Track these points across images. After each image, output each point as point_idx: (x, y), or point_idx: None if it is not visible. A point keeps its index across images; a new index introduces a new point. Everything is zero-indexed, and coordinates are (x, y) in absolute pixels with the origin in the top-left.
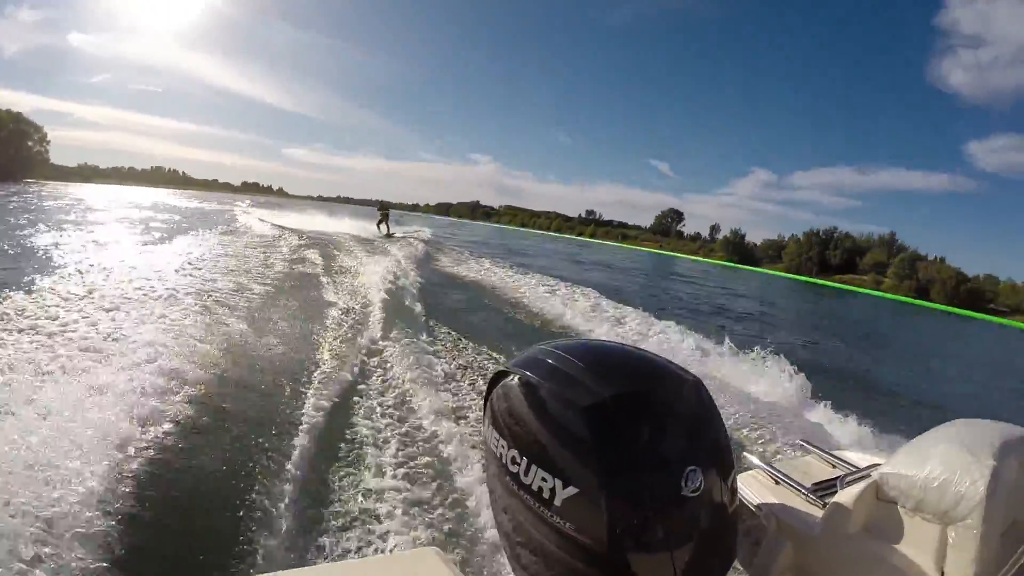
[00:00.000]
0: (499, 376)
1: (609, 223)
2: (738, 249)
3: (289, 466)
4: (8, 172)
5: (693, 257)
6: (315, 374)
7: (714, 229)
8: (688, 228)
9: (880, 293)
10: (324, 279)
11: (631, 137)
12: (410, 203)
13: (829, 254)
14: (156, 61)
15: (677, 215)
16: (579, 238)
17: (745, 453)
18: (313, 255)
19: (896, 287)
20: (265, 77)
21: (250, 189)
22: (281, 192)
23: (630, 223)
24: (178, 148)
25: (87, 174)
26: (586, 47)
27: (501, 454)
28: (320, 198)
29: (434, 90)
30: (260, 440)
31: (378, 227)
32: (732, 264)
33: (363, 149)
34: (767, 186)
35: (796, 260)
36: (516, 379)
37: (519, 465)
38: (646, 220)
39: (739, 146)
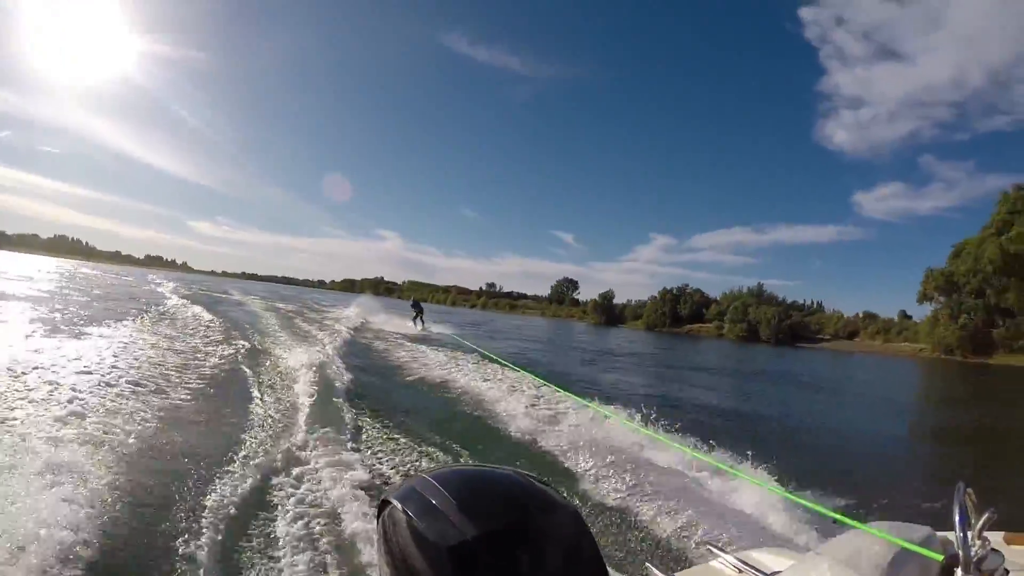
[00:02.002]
0: (383, 505)
1: (509, 294)
2: (605, 310)
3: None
4: None
5: (564, 317)
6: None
7: (604, 296)
8: (590, 294)
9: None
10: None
11: (536, 210)
12: (315, 279)
13: (680, 308)
14: (60, 122)
15: (572, 284)
16: (471, 309)
17: (647, 564)
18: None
19: (732, 330)
20: (170, 147)
21: (154, 263)
22: (186, 267)
23: (529, 293)
24: (81, 216)
25: None
26: (491, 123)
27: None
28: (224, 274)
29: (341, 166)
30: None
31: (414, 323)
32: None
33: (267, 224)
34: (668, 250)
35: (651, 316)
36: (393, 511)
37: None
38: (547, 290)
39: (640, 213)
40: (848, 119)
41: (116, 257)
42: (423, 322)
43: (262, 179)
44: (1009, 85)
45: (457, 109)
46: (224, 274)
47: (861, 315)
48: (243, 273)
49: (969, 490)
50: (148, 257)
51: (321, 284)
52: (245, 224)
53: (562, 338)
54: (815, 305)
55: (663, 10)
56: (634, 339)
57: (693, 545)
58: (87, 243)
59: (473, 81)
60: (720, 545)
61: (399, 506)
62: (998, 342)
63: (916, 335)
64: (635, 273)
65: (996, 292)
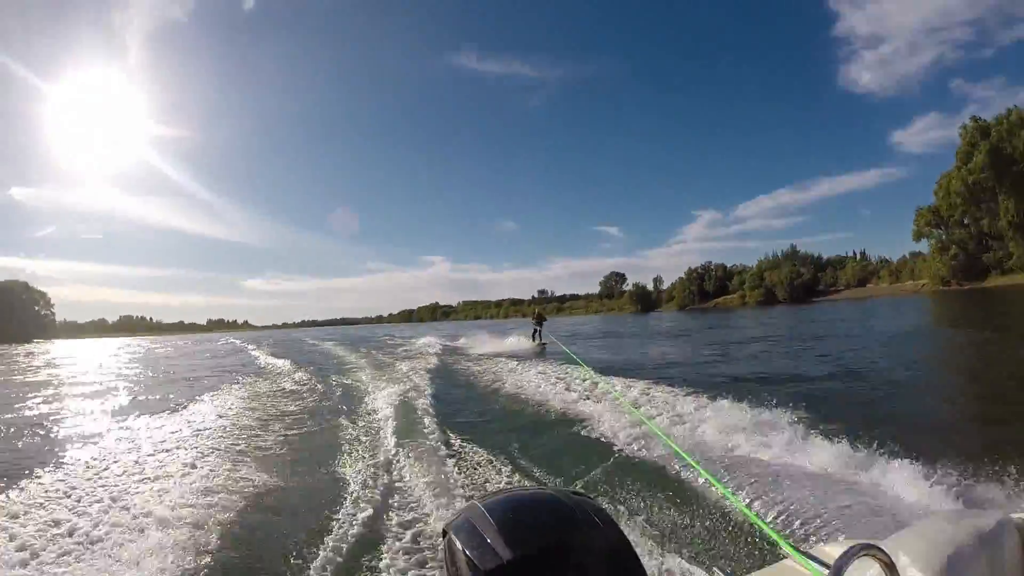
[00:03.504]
0: (443, 534)
1: (560, 297)
2: (641, 298)
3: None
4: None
5: (605, 312)
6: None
7: (657, 281)
8: (641, 281)
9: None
10: None
11: (576, 210)
12: (374, 315)
13: (705, 284)
14: (95, 207)
15: (620, 277)
16: (522, 319)
17: (714, 569)
18: None
19: (751, 296)
20: (203, 213)
21: (218, 326)
22: (247, 325)
23: (581, 293)
24: (136, 294)
25: (71, 331)
26: (512, 134)
27: None
28: (285, 325)
29: (374, 202)
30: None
31: (532, 338)
32: (634, 311)
33: (314, 270)
34: (714, 225)
35: (681, 296)
36: (449, 540)
37: None
38: (597, 287)
39: (681, 194)
40: (870, 59)
41: (181, 327)
42: (541, 336)
43: (301, 228)
44: None
45: (478, 126)
46: (285, 325)
47: (877, 260)
48: (302, 321)
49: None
50: (210, 322)
51: (380, 319)
52: (293, 274)
53: (590, 330)
54: (857, 255)
55: None
56: (663, 320)
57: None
58: (151, 319)
59: (488, 95)
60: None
61: (452, 535)
62: (991, 266)
63: (920, 272)
64: (685, 254)
65: (975, 220)
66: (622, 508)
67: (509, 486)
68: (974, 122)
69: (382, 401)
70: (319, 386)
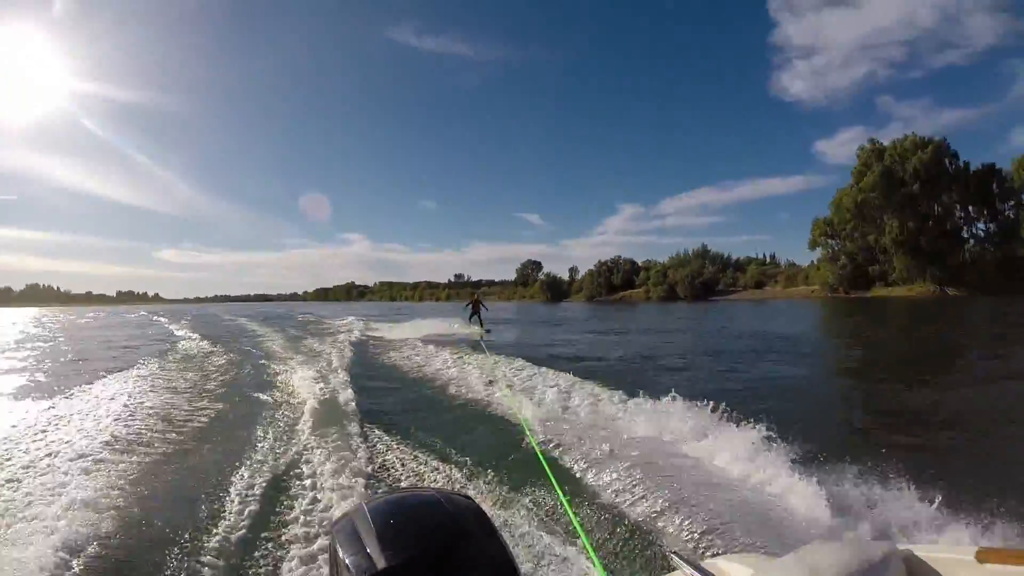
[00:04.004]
0: (327, 534)
1: (476, 283)
2: (552, 287)
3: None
4: None
5: (517, 300)
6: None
7: (573, 271)
8: (561, 272)
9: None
10: None
11: (500, 194)
12: (288, 293)
13: (613, 278)
14: (7, 167)
15: (536, 265)
16: (436, 303)
17: (671, 554)
18: None
19: (654, 292)
20: (124, 179)
21: (127, 299)
22: (158, 298)
23: (498, 279)
24: (48, 261)
25: None
26: (443, 112)
27: None
28: (197, 299)
29: (296, 173)
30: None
31: (469, 320)
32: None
33: (232, 243)
34: (637, 219)
35: (590, 288)
36: (331, 542)
37: None
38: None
39: (605, 186)
40: (803, 69)
41: (90, 298)
42: (481, 321)
43: (221, 197)
44: (959, 19)
45: (408, 101)
46: (197, 299)
47: (786, 263)
48: (216, 296)
49: None
50: (120, 293)
51: (295, 296)
52: (210, 246)
53: (495, 316)
54: (767, 258)
55: None
56: (570, 310)
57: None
58: (59, 288)
59: (422, 71)
60: (685, 556)
61: (335, 537)
62: (875, 277)
63: (813, 279)
64: (606, 246)
65: (863, 235)
66: (513, 511)
67: (398, 487)
68: (871, 144)
69: (298, 386)
70: (232, 367)
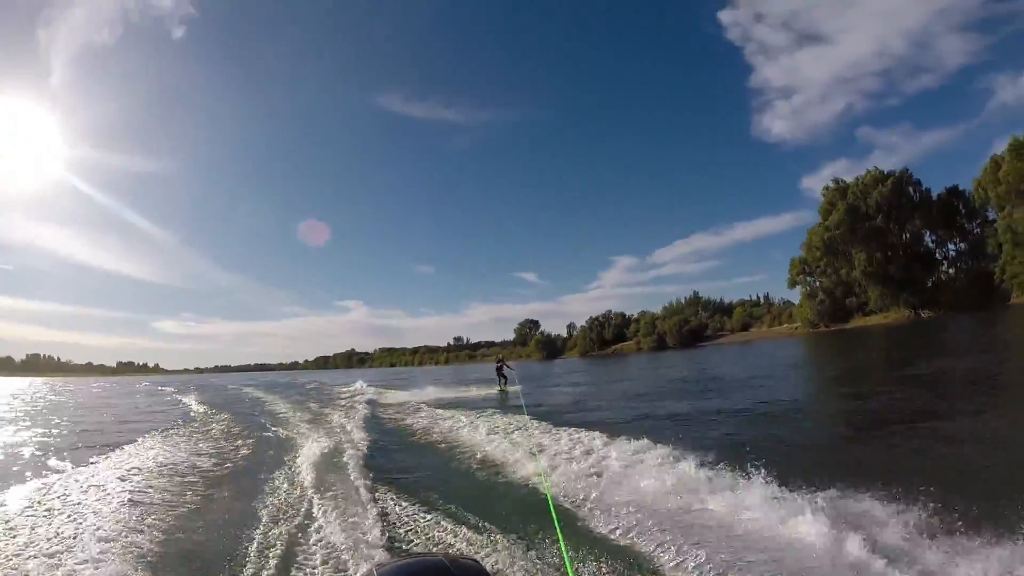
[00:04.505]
0: None
1: (475, 345)
2: (546, 345)
3: None
4: None
5: (514, 359)
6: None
7: (570, 327)
8: (559, 329)
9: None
10: None
11: (495, 255)
12: (289, 362)
13: (604, 332)
14: (4, 236)
15: (534, 324)
16: (435, 366)
17: None
18: None
19: (644, 342)
20: (123, 250)
21: (127, 369)
22: (158, 369)
23: (498, 340)
24: (47, 332)
25: None
26: (434, 177)
27: None
28: (197, 370)
29: (290, 243)
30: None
31: (499, 381)
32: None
33: (230, 313)
34: (632, 270)
35: (583, 343)
36: None
37: None
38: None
39: (598, 240)
40: (783, 109)
41: (90, 368)
42: (506, 384)
43: (219, 268)
44: (929, 44)
45: (399, 168)
46: (197, 370)
47: (780, 302)
48: (216, 366)
49: None
50: (120, 364)
51: (295, 365)
52: (208, 316)
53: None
54: (762, 299)
55: (588, 41)
56: (563, 367)
57: None
58: (59, 358)
59: (412, 138)
60: None
61: None
62: (853, 309)
63: (795, 316)
64: (603, 300)
65: (835, 270)
66: (522, 571)
67: (407, 551)
68: (835, 183)
69: (312, 451)
70: (243, 434)
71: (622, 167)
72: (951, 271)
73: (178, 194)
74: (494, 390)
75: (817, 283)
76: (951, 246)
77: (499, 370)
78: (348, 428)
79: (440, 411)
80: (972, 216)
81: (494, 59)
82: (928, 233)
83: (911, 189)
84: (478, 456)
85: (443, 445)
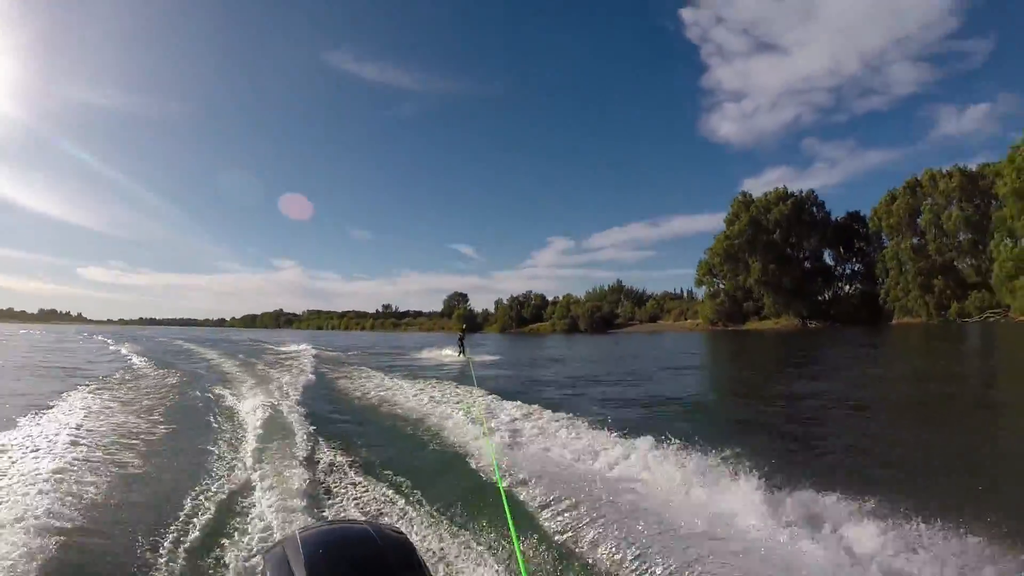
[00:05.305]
0: (261, 562)
1: (404, 313)
2: (467, 319)
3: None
4: None
5: (436, 331)
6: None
7: (498, 303)
8: (488, 304)
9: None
10: None
11: (433, 225)
12: (216, 319)
13: (523, 312)
14: None
15: (462, 297)
16: (361, 332)
17: None
18: None
19: (558, 325)
20: (51, 189)
21: (49, 317)
22: (81, 318)
23: (427, 310)
24: None
25: None
26: (380, 141)
27: None
28: (122, 321)
29: (230, 194)
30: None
31: (458, 353)
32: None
33: (161, 264)
34: (567, 252)
35: (503, 320)
36: (262, 570)
37: None
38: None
39: (537, 220)
40: (732, 112)
41: (11, 314)
42: (464, 350)
43: (153, 215)
44: (882, 68)
45: (345, 128)
46: (122, 321)
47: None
48: (140, 319)
49: None
50: (42, 311)
51: (222, 322)
52: (138, 266)
53: (411, 343)
54: (685, 293)
55: (545, 23)
56: (483, 340)
57: None
58: None
59: (360, 98)
60: None
61: (266, 566)
62: (749, 312)
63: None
64: (536, 279)
65: (734, 276)
66: (452, 543)
67: (333, 518)
68: (742, 196)
69: (250, 409)
70: (185, 388)
71: (566, 149)
72: (848, 288)
73: (117, 132)
74: (457, 356)
75: (720, 285)
76: (848, 266)
77: (460, 340)
78: (286, 389)
79: (387, 377)
80: (869, 240)
81: (451, 29)
82: (828, 251)
83: (814, 210)
84: (422, 425)
85: (385, 410)
